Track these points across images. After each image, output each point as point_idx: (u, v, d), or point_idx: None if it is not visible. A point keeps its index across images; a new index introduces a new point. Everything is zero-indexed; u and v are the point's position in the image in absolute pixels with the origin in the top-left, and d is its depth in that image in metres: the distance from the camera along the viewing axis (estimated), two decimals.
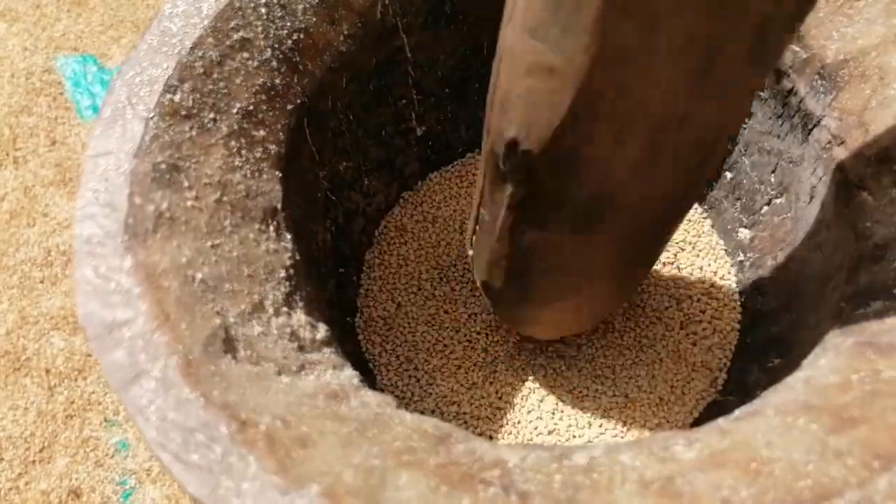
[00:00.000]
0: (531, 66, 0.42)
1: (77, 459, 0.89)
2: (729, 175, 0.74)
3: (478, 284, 0.65)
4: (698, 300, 0.72)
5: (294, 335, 0.47)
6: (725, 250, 0.75)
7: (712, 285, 0.73)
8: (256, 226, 0.49)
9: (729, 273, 0.74)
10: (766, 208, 0.70)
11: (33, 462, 0.88)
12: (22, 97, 1.16)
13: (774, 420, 0.43)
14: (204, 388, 0.38)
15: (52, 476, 0.87)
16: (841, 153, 0.58)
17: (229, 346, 0.42)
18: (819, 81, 0.60)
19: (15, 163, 1.09)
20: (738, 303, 0.72)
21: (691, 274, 0.74)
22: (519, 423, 0.67)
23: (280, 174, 0.53)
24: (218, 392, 0.38)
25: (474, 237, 0.61)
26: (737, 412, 0.45)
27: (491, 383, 0.69)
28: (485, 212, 0.56)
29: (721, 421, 0.44)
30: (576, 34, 0.39)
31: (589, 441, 0.66)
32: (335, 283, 0.69)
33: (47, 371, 0.93)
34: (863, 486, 0.37)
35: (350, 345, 0.69)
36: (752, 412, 0.45)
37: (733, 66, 0.40)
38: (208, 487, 0.35)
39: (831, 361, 0.46)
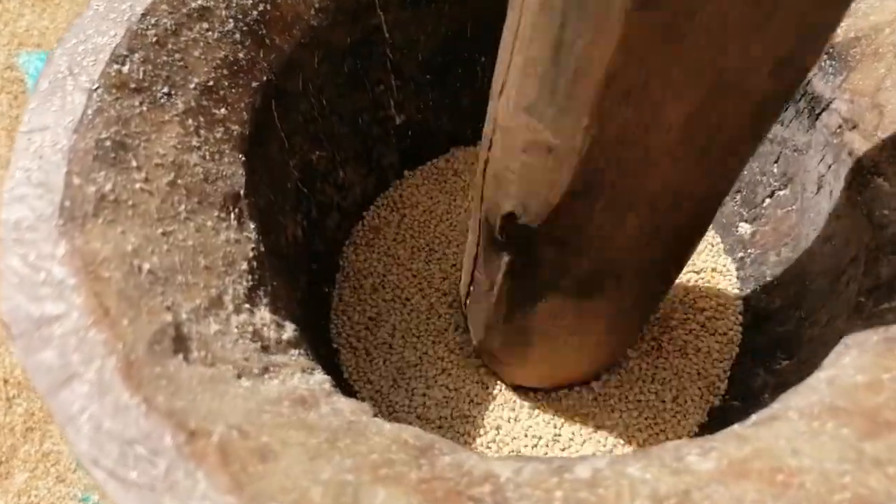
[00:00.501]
0: (528, 144, 0.40)
1: (37, 474, 0.84)
2: None
3: (474, 342, 0.62)
4: (695, 301, 0.68)
5: (257, 334, 0.42)
6: (723, 247, 0.71)
7: (710, 284, 0.69)
8: (215, 213, 0.44)
9: (729, 271, 0.69)
10: (768, 201, 0.66)
11: None
12: None
13: (798, 425, 0.38)
14: (147, 393, 0.33)
15: (9, 493, 0.82)
16: (853, 138, 0.53)
17: (180, 345, 0.36)
18: (828, 62, 0.56)
19: None
20: (740, 302, 0.67)
21: (687, 273, 0.70)
22: (508, 434, 0.62)
23: (243, 157, 0.48)
24: (163, 397, 0.33)
25: (468, 299, 0.58)
26: (754, 417, 0.41)
27: (477, 393, 0.64)
28: (480, 275, 0.53)
29: (737, 427, 0.40)
30: (574, 115, 0.37)
31: (584, 452, 0.61)
32: (307, 282, 0.64)
33: (5, 381, 0.88)
34: None
35: (324, 348, 0.64)
36: (771, 416, 0.40)
37: (733, 141, 0.38)
38: None
39: (856, 360, 0.42)
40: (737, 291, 0.68)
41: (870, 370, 0.40)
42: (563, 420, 0.62)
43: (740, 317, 0.67)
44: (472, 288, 0.56)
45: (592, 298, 0.50)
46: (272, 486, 0.31)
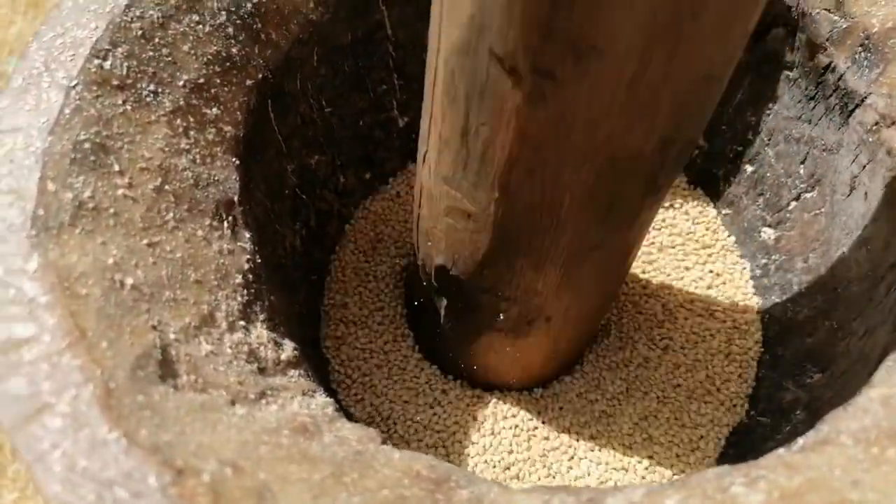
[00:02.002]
0: (449, 209, 0.44)
1: (27, 494, 0.82)
2: (749, 168, 0.66)
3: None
4: (711, 314, 0.64)
5: (253, 355, 0.38)
6: (740, 255, 0.67)
7: (727, 297, 0.65)
8: (207, 221, 0.40)
9: (746, 280, 0.65)
10: (794, 204, 0.62)
11: None
12: None
13: (854, 451, 0.34)
14: (128, 426, 0.29)
15: None
16: (891, 135, 0.50)
17: (167, 369, 0.32)
18: (862, 54, 0.52)
19: None
20: (759, 316, 0.63)
21: (703, 283, 0.66)
22: (516, 464, 0.57)
23: (237, 161, 0.44)
24: (147, 431, 0.29)
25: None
26: (801, 441, 0.37)
27: (478, 417, 0.60)
28: (428, 313, 0.57)
29: (783, 452, 0.36)
30: (485, 188, 0.40)
31: (599, 483, 0.57)
32: (306, 296, 0.60)
33: None
34: None
35: (323, 368, 0.60)
36: (821, 441, 0.36)
37: (632, 203, 0.42)
38: None
39: None
40: (755, 302, 0.64)
41: None
42: (564, 439, 0.58)
43: (759, 332, 0.63)
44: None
45: (527, 336, 0.53)
46: None
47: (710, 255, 0.67)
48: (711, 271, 0.66)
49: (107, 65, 0.39)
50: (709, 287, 0.65)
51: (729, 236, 0.68)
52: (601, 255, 0.46)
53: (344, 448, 0.35)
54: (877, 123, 0.51)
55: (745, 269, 0.66)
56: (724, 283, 0.66)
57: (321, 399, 0.40)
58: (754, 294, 0.65)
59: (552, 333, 0.53)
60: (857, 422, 0.36)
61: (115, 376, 0.30)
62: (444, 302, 0.53)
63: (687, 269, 0.66)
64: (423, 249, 0.51)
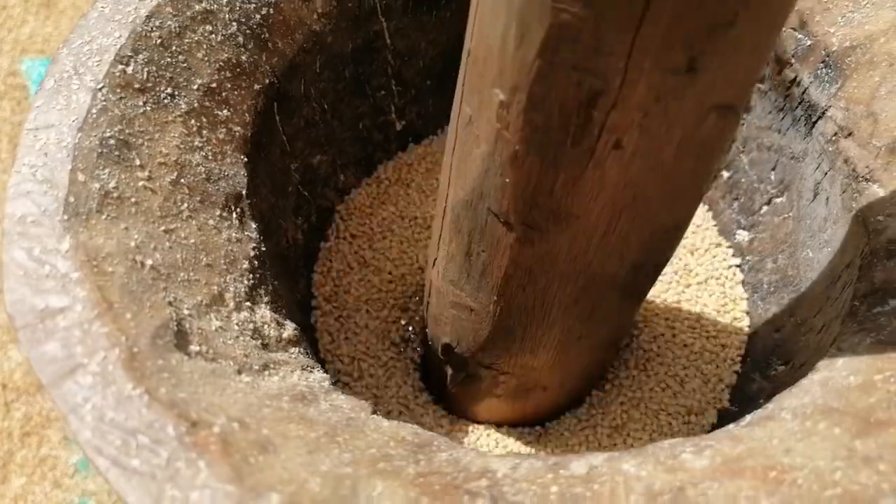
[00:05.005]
0: (454, 303, 0.52)
1: (34, 479, 0.84)
2: (726, 174, 0.70)
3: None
4: (701, 315, 0.67)
5: (257, 332, 0.43)
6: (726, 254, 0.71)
7: (718, 294, 0.69)
8: (217, 212, 0.45)
9: (734, 276, 0.69)
10: (765, 208, 0.66)
11: None
12: None
13: (791, 425, 0.38)
14: (149, 384, 0.33)
15: (6, 497, 0.82)
16: (848, 145, 0.54)
17: (182, 339, 0.37)
18: (824, 70, 0.57)
19: None
20: (746, 312, 0.67)
21: (696, 286, 0.69)
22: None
23: (245, 159, 0.49)
24: (165, 389, 0.33)
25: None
26: (748, 417, 0.41)
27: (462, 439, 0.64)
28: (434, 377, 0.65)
29: (732, 427, 0.40)
30: (485, 292, 0.48)
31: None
32: (306, 285, 0.65)
33: (4, 386, 0.88)
34: None
35: (315, 355, 0.64)
36: (765, 417, 0.40)
37: (612, 305, 0.49)
38: (150, 497, 0.30)
39: (849, 362, 0.42)
40: (743, 301, 0.67)
41: (863, 371, 0.41)
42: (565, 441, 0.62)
43: (747, 325, 0.66)
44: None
45: (526, 399, 0.60)
46: (272, 476, 0.32)
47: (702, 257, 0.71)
48: (701, 266, 0.69)
49: (129, 70, 0.44)
50: (702, 289, 0.69)
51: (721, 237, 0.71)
52: (589, 343, 0.54)
53: (338, 414, 0.39)
54: (836, 134, 0.55)
55: (734, 267, 0.69)
56: (715, 283, 0.69)
57: (318, 374, 0.44)
58: (742, 294, 0.68)
59: (550, 397, 0.61)
60: (797, 400, 0.41)
61: (137, 343, 0.34)
62: (449, 371, 0.60)
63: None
64: (432, 330, 0.59)
